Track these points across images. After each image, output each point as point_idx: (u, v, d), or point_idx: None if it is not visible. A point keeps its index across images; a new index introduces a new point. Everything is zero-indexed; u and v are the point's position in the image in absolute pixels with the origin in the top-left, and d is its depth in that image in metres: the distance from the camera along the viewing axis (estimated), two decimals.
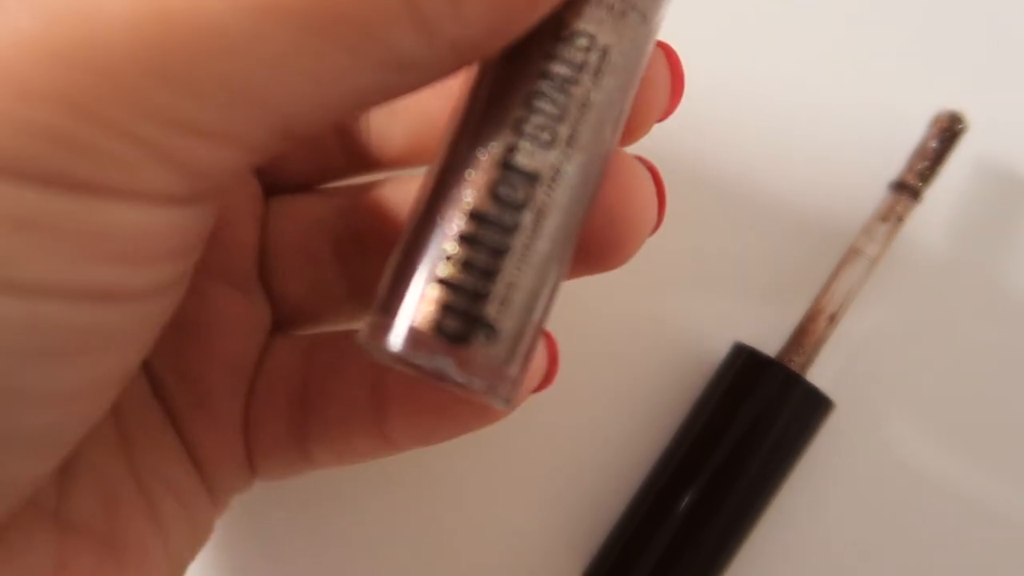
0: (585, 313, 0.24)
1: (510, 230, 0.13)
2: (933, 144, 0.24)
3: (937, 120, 0.24)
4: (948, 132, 0.24)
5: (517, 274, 0.13)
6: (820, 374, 0.24)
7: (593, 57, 0.14)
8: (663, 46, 0.17)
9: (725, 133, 0.25)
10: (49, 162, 0.11)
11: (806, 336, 0.24)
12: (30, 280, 0.12)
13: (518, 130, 0.14)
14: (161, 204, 0.12)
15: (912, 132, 0.25)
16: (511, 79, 0.14)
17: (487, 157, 0.14)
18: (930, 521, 0.24)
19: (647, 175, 0.17)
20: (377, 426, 0.18)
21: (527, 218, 0.13)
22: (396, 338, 0.13)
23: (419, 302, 0.13)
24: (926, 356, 0.25)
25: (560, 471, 0.25)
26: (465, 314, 0.13)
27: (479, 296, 0.13)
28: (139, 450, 0.18)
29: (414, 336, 0.13)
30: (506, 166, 0.14)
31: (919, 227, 0.25)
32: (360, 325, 0.14)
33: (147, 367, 0.19)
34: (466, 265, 0.13)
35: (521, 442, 0.25)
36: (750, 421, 0.23)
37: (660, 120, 0.17)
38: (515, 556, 0.25)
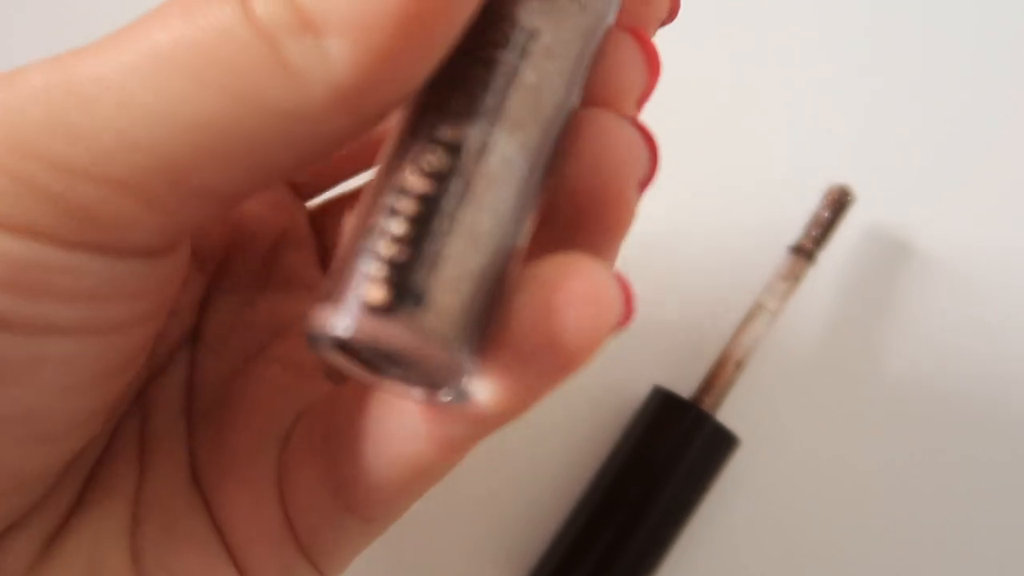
0: None
1: (433, 199, 0.13)
2: (825, 214, 0.27)
3: (829, 193, 0.27)
4: (838, 203, 0.27)
5: (447, 243, 0.13)
6: (729, 413, 0.27)
7: (520, 36, 0.13)
8: (634, 31, 0.16)
9: (648, 198, 0.28)
10: None
11: (716, 380, 0.26)
12: None
13: (445, 108, 0.13)
14: (52, 243, 0.13)
15: (808, 203, 0.28)
16: (444, 66, 0.13)
17: (417, 137, 0.13)
18: (825, 539, 0.27)
19: (629, 127, 0.15)
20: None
21: (453, 187, 0.13)
22: (327, 323, 0.12)
23: (350, 280, 0.12)
24: (820, 397, 0.28)
25: (491, 502, 0.26)
26: (391, 283, 0.12)
27: (404, 265, 0.12)
28: (152, 533, 0.17)
29: (344, 316, 0.12)
30: (430, 140, 0.13)
31: (814, 284, 0.28)
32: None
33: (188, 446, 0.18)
34: (393, 238, 0.12)
35: (454, 475, 0.26)
36: (666, 454, 0.25)
37: (640, 104, 0.16)
38: None
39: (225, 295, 0.20)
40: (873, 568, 0.27)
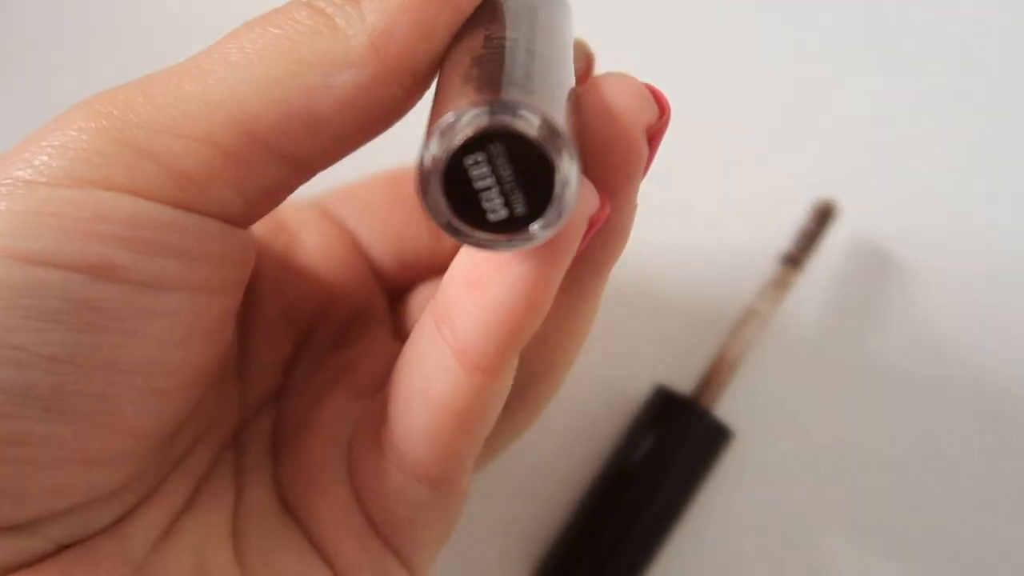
0: None
1: (504, 43, 0.15)
2: (812, 226, 0.29)
3: (815, 206, 0.30)
4: (823, 216, 0.29)
5: (528, 61, 0.14)
6: (725, 410, 0.29)
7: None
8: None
9: (651, 213, 0.30)
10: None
11: (713, 379, 0.28)
12: (31, 252, 0.14)
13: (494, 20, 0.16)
14: (155, 200, 0.15)
15: (797, 215, 0.30)
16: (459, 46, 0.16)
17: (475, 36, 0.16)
18: (816, 533, 0.29)
19: (633, 79, 0.17)
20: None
21: (518, 35, 0.15)
22: (439, 132, 0.13)
23: (454, 97, 0.14)
24: (810, 394, 0.29)
25: (497, 497, 0.28)
26: (491, 82, 0.14)
27: (498, 70, 0.14)
28: (253, 538, 0.19)
29: (451, 121, 0.13)
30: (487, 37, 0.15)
31: (802, 291, 0.30)
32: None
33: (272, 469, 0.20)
34: (481, 60, 0.14)
35: None
36: (667, 447, 0.27)
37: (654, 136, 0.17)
38: None
39: (308, 354, 0.22)
40: (863, 555, 0.29)
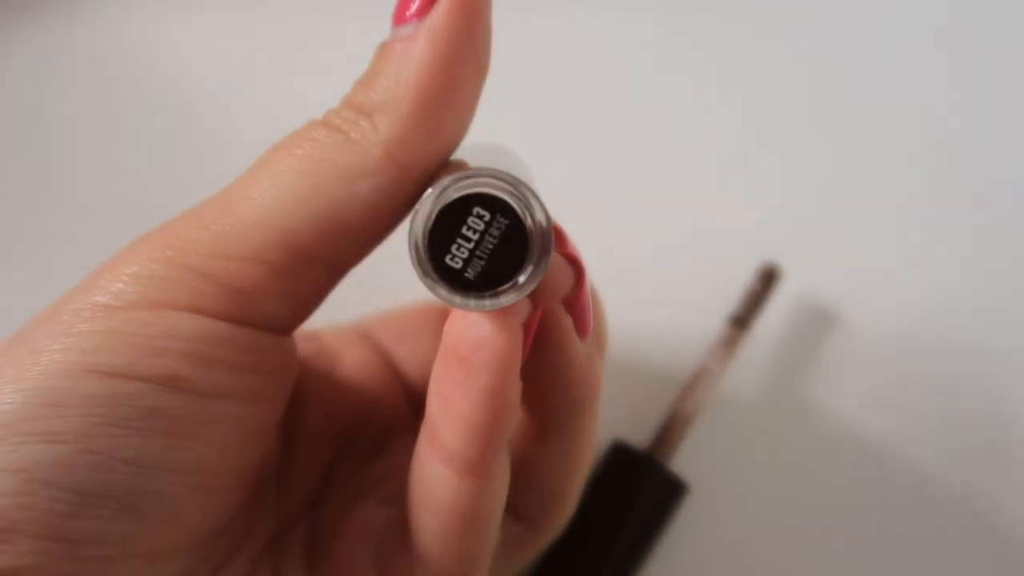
0: None
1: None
2: (757, 287, 0.31)
3: (760, 269, 0.31)
4: (767, 278, 0.31)
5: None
6: (680, 464, 0.30)
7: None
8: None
9: (605, 274, 0.32)
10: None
11: (668, 434, 0.30)
12: (110, 367, 0.16)
13: None
14: (215, 317, 0.17)
15: (744, 277, 0.31)
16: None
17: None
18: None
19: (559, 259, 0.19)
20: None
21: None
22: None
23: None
24: (761, 448, 0.31)
25: None
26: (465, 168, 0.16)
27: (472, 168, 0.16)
28: None
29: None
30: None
31: (750, 350, 0.31)
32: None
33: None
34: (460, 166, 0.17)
35: None
36: (624, 500, 0.29)
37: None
38: None
39: (342, 467, 0.24)
40: None
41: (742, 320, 0.31)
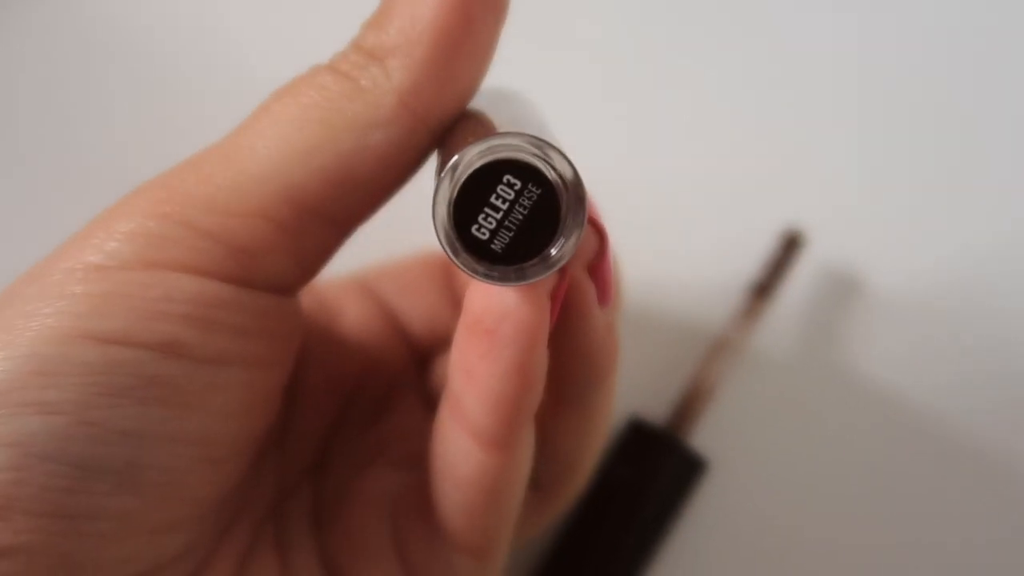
0: None
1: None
2: (780, 254, 0.30)
3: (783, 234, 0.30)
4: (791, 244, 0.30)
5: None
6: (700, 439, 0.29)
7: None
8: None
9: (626, 238, 0.30)
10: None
11: (687, 409, 0.29)
12: (106, 332, 0.15)
13: None
14: (217, 279, 0.16)
15: (766, 244, 0.30)
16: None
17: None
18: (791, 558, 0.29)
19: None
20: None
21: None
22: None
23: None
24: (784, 422, 0.30)
25: None
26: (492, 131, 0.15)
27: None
28: None
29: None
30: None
31: (773, 320, 0.30)
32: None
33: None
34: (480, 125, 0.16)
35: None
36: (642, 479, 0.28)
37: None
38: None
39: (348, 424, 0.23)
40: None
41: (765, 288, 0.30)
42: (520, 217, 0.14)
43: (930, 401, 0.30)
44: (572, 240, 0.15)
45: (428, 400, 0.24)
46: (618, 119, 0.33)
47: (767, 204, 0.31)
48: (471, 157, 0.14)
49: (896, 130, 0.33)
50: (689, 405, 0.29)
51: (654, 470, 0.28)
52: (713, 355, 0.29)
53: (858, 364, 0.30)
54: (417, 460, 0.21)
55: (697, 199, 0.32)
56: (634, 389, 0.30)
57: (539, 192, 0.14)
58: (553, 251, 0.15)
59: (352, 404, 0.23)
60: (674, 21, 0.34)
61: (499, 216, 0.14)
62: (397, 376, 0.24)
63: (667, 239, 0.31)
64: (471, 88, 0.17)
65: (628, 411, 0.29)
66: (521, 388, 0.16)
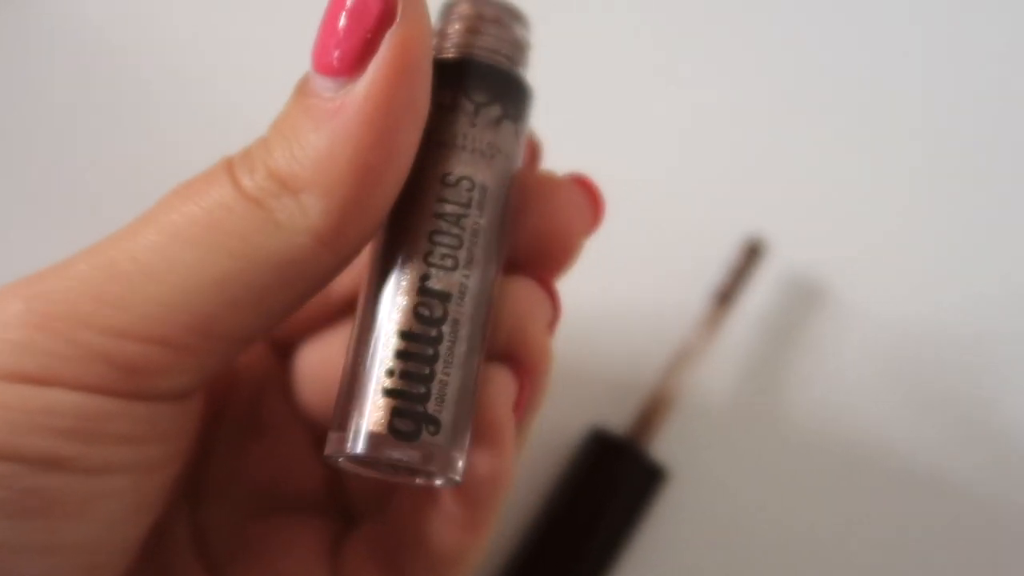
0: None
1: (435, 341, 0.16)
2: (742, 262, 0.29)
3: (745, 243, 0.30)
4: (752, 252, 0.29)
5: (447, 374, 0.16)
6: (661, 450, 0.28)
7: (476, 195, 0.17)
8: (579, 179, 0.20)
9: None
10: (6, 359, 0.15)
11: (648, 419, 0.28)
12: None
13: (427, 261, 0.16)
14: (105, 394, 0.15)
15: (727, 251, 0.30)
16: (412, 221, 0.17)
17: (406, 285, 0.16)
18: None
19: (575, 189, 0.19)
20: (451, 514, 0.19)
21: (446, 329, 0.16)
22: (358, 443, 0.16)
23: (372, 411, 0.16)
24: (745, 432, 0.30)
25: None
26: (412, 414, 0.16)
27: (420, 398, 0.16)
28: None
29: (373, 439, 0.16)
30: (422, 291, 0.16)
31: (735, 328, 0.30)
32: (327, 443, 0.17)
33: None
34: (404, 375, 0.16)
35: None
36: (603, 489, 0.27)
37: (589, 234, 0.20)
38: None
39: (220, 445, 0.22)
40: None
41: (726, 296, 0.29)
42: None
43: (890, 411, 0.30)
44: None
45: (287, 391, 0.23)
46: (577, 126, 0.32)
47: (729, 212, 0.31)
48: None
49: (859, 140, 0.33)
50: (650, 414, 0.28)
51: (615, 480, 0.28)
52: (674, 364, 0.29)
53: (819, 375, 0.30)
54: (314, 496, 0.21)
55: (658, 207, 0.31)
56: (595, 398, 0.29)
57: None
58: None
59: (219, 420, 0.22)
60: (635, 32, 0.34)
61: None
62: (261, 377, 0.23)
63: (628, 246, 0.31)
64: (391, 201, 0.16)
65: (589, 421, 0.29)
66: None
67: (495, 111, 0.17)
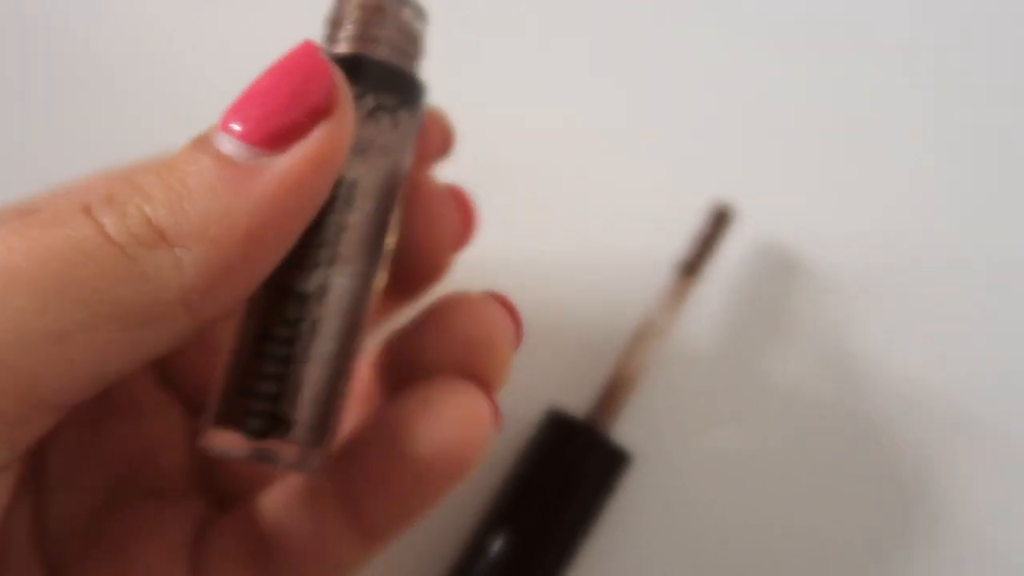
0: None
1: (288, 342, 0.16)
2: (708, 230, 0.28)
3: (712, 209, 0.28)
4: (720, 219, 0.28)
5: (305, 371, 0.16)
6: (623, 431, 0.27)
7: (342, 191, 0.16)
8: (453, 191, 0.20)
9: (535, 219, 0.28)
10: None
11: (609, 400, 0.27)
12: None
13: (288, 261, 0.16)
14: None
15: (693, 219, 0.28)
16: None
17: (268, 285, 0.16)
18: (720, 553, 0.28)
19: (450, 207, 0.20)
20: (353, 521, 0.18)
21: (304, 328, 0.16)
22: (216, 441, 0.16)
23: (228, 408, 0.16)
24: (713, 411, 0.28)
25: None
26: (261, 414, 0.16)
27: (273, 397, 0.16)
28: None
29: (224, 436, 0.16)
30: (280, 291, 0.16)
31: (701, 301, 0.28)
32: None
33: None
34: (260, 375, 0.16)
35: None
36: (562, 475, 0.26)
37: (457, 250, 0.20)
38: None
39: (66, 428, 0.19)
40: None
41: (692, 267, 0.28)
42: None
43: (863, 393, 0.29)
44: None
45: (162, 374, 0.21)
46: (540, 89, 0.30)
47: (695, 176, 0.30)
48: None
49: (833, 98, 0.31)
50: (611, 395, 0.27)
51: (574, 465, 0.26)
52: (637, 340, 0.27)
53: (791, 348, 0.29)
54: (174, 478, 0.20)
55: (618, 171, 0.30)
56: (552, 378, 0.28)
57: None
58: None
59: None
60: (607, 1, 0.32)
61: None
62: None
63: (587, 214, 0.29)
64: (262, 279, 0.15)
65: (546, 402, 0.27)
66: None
67: (368, 103, 0.17)
